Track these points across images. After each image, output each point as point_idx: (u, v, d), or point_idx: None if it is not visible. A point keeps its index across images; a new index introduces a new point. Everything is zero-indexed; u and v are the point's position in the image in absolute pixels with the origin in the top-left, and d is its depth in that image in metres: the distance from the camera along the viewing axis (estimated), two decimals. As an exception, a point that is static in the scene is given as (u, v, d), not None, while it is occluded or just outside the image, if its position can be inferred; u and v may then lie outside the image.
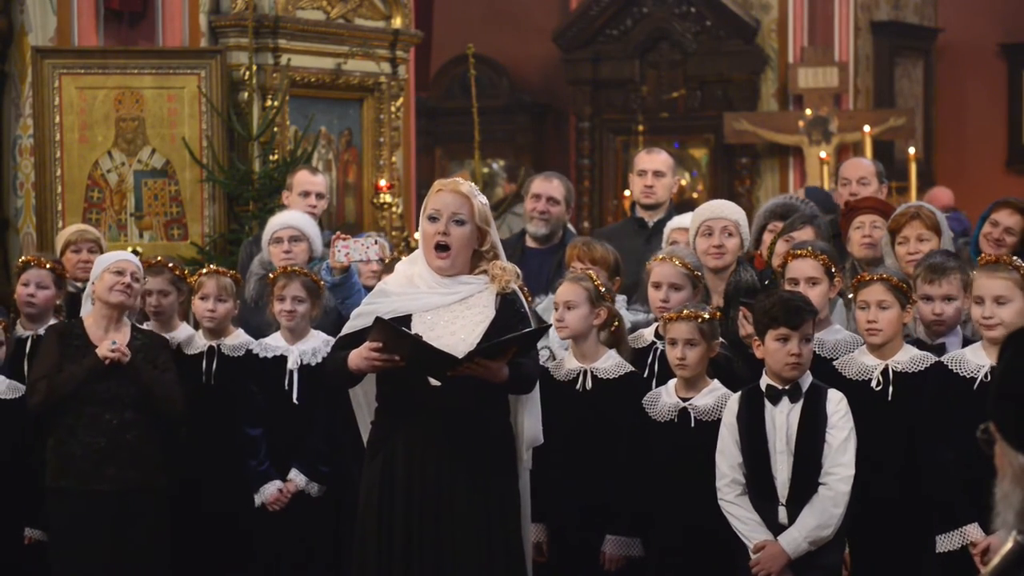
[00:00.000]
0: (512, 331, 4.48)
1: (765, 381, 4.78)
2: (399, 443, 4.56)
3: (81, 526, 5.46)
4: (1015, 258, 4.80)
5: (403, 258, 5.10)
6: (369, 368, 4.51)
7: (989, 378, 4.64)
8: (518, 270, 4.75)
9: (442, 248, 4.56)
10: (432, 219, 4.57)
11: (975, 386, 4.67)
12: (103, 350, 5.45)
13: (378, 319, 4.43)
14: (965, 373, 4.72)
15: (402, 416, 4.58)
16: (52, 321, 5.90)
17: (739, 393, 4.84)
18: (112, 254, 5.77)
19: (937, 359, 4.86)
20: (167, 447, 5.60)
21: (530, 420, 4.72)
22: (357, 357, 4.51)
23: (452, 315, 4.55)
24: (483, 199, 4.64)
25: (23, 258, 6.18)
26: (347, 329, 4.71)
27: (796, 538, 4.65)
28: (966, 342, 5.00)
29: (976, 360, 4.72)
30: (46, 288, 5.93)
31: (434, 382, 4.50)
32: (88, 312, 5.68)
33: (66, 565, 5.48)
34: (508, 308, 4.60)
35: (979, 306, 4.75)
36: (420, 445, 4.53)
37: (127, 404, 5.48)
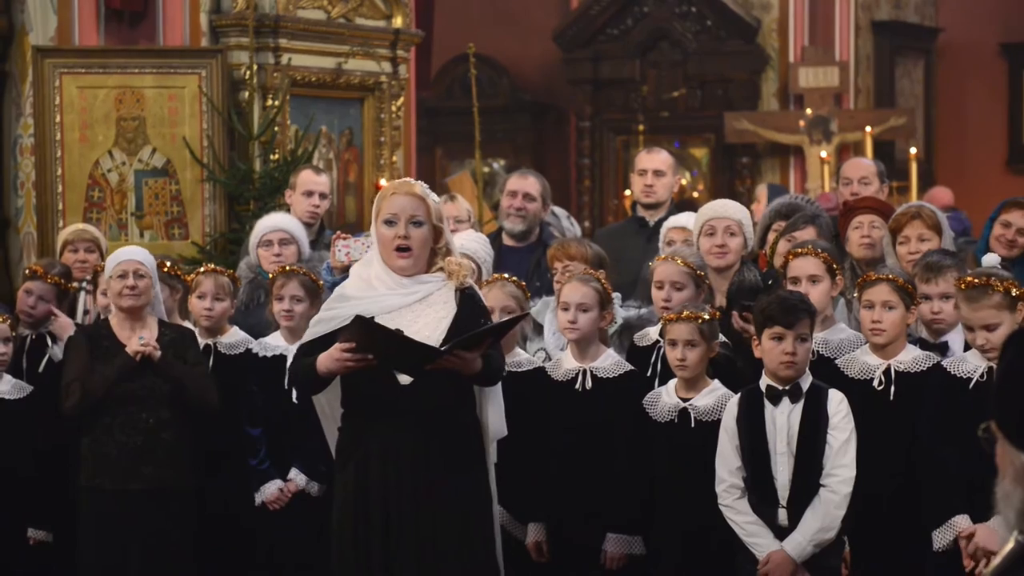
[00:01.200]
0: (475, 325, 4.52)
1: (765, 382, 4.78)
2: (372, 446, 4.57)
3: (114, 525, 5.44)
4: (993, 278, 4.69)
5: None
6: (340, 369, 4.51)
7: (985, 378, 4.64)
8: (473, 265, 4.80)
9: (404, 250, 4.60)
10: (389, 223, 4.59)
11: (971, 386, 4.66)
12: (133, 345, 5.45)
13: (359, 316, 4.43)
14: (962, 374, 4.71)
15: (372, 419, 4.59)
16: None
17: (738, 395, 4.84)
18: (115, 255, 5.71)
19: (938, 361, 4.85)
20: (198, 446, 5.60)
21: (494, 414, 4.75)
22: (328, 359, 4.51)
23: (414, 314, 4.57)
24: (435, 198, 4.69)
25: (31, 266, 6.17)
26: (310, 336, 4.72)
27: (800, 543, 4.65)
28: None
29: (975, 362, 4.71)
30: (47, 302, 5.96)
31: (404, 380, 4.51)
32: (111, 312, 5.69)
33: (95, 564, 5.47)
34: (468, 303, 4.64)
35: (972, 332, 4.69)
36: (393, 446, 4.54)
37: (162, 403, 5.47)
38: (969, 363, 4.72)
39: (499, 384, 4.75)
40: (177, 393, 5.48)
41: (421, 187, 4.68)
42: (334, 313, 4.62)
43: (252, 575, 5.70)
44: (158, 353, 5.45)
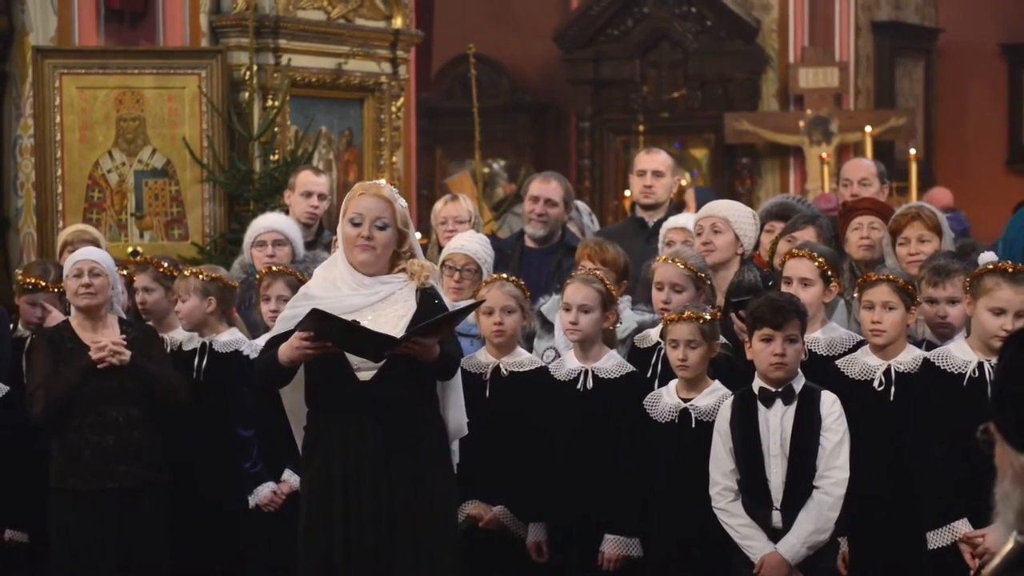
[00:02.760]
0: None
1: (758, 384, 4.78)
2: (335, 442, 4.60)
3: (88, 525, 5.42)
4: None
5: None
6: (300, 356, 4.56)
7: (978, 374, 4.64)
8: (436, 267, 4.87)
9: (366, 248, 4.63)
10: (355, 223, 4.63)
11: (964, 382, 4.66)
12: (94, 353, 5.43)
13: (314, 309, 4.47)
14: (952, 369, 4.71)
15: (335, 415, 4.62)
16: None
17: (731, 398, 4.84)
18: (72, 256, 5.69)
19: (925, 356, 4.84)
20: (169, 443, 5.58)
21: (454, 412, 4.78)
22: (288, 348, 4.56)
23: (375, 313, 4.61)
24: (403, 202, 4.73)
25: (25, 279, 6.07)
26: (276, 331, 4.76)
27: (795, 545, 4.66)
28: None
29: (962, 356, 4.70)
30: (51, 311, 5.92)
31: (364, 376, 4.54)
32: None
33: (70, 565, 5.45)
34: (428, 301, 4.68)
35: (1000, 317, 4.62)
36: (355, 442, 4.58)
37: (131, 401, 5.46)
38: (956, 358, 4.71)
39: (459, 382, 4.80)
40: (146, 390, 5.47)
41: (389, 190, 4.72)
42: (298, 311, 4.65)
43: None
44: (124, 356, 5.40)
